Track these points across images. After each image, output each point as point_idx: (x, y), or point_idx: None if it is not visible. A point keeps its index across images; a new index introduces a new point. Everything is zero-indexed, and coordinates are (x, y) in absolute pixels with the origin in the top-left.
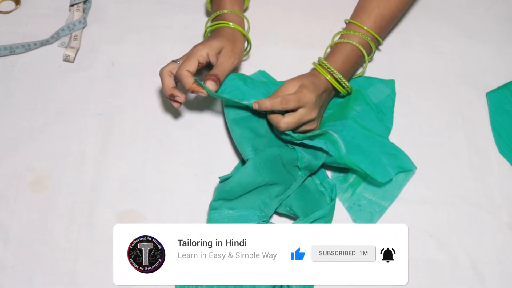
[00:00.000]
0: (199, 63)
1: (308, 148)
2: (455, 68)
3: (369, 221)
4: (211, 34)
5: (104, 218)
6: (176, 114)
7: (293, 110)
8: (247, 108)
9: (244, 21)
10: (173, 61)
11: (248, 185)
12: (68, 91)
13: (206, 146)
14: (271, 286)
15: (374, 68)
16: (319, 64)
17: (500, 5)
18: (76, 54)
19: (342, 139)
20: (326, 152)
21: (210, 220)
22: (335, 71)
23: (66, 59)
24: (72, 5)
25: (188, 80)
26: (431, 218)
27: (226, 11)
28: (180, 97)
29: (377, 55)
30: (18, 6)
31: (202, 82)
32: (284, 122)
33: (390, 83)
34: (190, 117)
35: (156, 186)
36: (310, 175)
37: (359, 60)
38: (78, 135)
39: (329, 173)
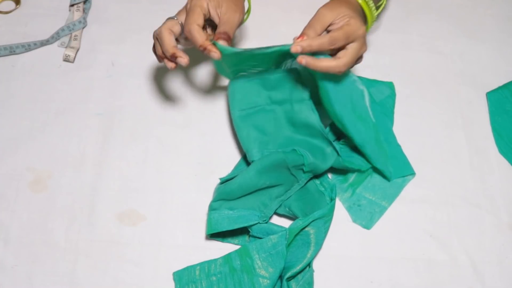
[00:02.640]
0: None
1: (315, 151)
2: (455, 68)
3: (369, 221)
4: None
5: (104, 218)
6: (176, 114)
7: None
8: (255, 99)
9: None
10: (170, 18)
11: (249, 188)
12: (68, 91)
13: (206, 146)
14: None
15: (375, 68)
16: None
17: (500, 5)
18: (76, 54)
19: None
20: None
21: (209, 220)
22: None
23: (66, 59)
24: (72, 5)
25: (201, 35)
26: (431, 218)
27: None
28: (183, 58)
29: (377, 55)
30: (18, 6)
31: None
32: (344, 64)
33: (390, 85)
34: (190, 117)
35: (156, 186)
36: (312, 177)
37: None
38: (78, 135)
39: (329, 173)
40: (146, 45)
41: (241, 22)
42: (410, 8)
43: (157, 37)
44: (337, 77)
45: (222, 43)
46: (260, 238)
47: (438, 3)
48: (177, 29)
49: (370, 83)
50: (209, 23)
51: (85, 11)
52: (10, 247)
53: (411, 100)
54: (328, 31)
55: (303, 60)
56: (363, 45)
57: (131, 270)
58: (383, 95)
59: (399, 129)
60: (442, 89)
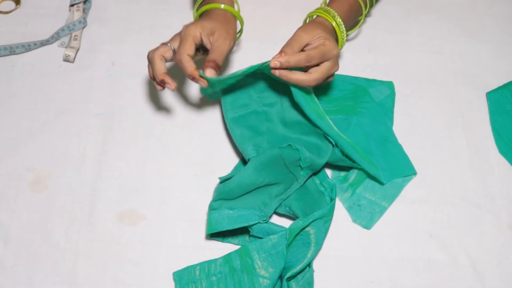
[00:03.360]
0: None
1: (311, 148)
2: (455, 68)
3: (369, 221)
4: (201, 16)
5: (104, 218)
6: (176, 114)
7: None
8: (246, 100)
9: (234, 4)
10: (163, 44)
11: (248, 186)
12: (68, 91)
13: (206, 146)
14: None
15: (375, 68)
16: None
17: (500, 5)
18: (76, 54)
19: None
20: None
21: (209, 220)
22: (338, 18)
23: (66, 59)
24: (72, 5)
25: (190, 65)
26: (431, 218)
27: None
28: (171, 84)
29: (377, 55)
30: (18, 6)
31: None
32: (314, 79)
33: (390, 84)
34: (190, 117)
35: (156, 186)
36: (311, 175)
37: (358, 14)
38: (78, 135)
39: (329, 173)
40: (146, 45)
41: (234, 44)
42: (410, 8)
43: (149, 60)
44: (306, 91)
45: (209, 71)
46: (260, 238)
47: (438, 3)
48: (169, 55)
49: (370, 83)
50: (202, 47)
51: (85, 11)
52: (10, 247)
53: (411, 100)
54: (303, 51)
55: (277, 72)
56: (335, 65)
57: (131, 270)
58: (383, 95)
59: (399, 129)
60: (442, 89)
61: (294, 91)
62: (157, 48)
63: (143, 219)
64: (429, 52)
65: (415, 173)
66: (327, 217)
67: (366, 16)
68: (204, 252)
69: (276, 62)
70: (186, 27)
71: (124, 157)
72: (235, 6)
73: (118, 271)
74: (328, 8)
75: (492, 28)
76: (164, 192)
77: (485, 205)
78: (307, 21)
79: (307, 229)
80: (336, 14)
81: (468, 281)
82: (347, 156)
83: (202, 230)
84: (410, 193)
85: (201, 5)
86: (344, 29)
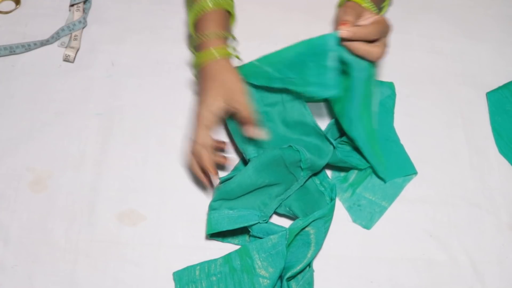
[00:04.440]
0: (211, 128)
1: (311, 148)
2: (455, 68)
3: (369, 221)
4: (201, 81)
5: (104, 218)
6: (176, 114)
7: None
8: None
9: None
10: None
11: (249, 186)
12: (68, 91)
13: None
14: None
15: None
16: None
17: (500, 5)
18: (76, 54)
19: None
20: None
21: (209, 220)
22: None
23: (66, 59)
24: (72, 5)
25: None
26: (431, 218)
27: (207, 33)
28: (215, 175)
29: None
30: (18, 6)
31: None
32: (381, 52)
33: (390, 85)
34: (190, 117)
35: (156, 186)
36: (311, 176)
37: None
38: (78, 135)
39: (329, 173)
40: (146, 45)
41: (239, 78)
42: (410, 8)
43: (194, 152)
44: (370, 70)
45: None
46: (260, 238)
47: (438, 3)
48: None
49: None
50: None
51: (85, 11)
52: (10, 247)
53: (411, 100)
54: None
55: (347, 43)
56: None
57: (131, 270)
58: (383, 95)
59: (399, 129)
60: (442, 89)
61: (353, 73)
62: (195, 141)
63: (143, 219)
64: (429, 52)
65: (415, 173)
66: (327, 217)
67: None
68: (204, 252)
69: (348, 32)
70: (198, 113)
71: (124, 157)
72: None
73: (118, 271)
74: None
75: (492, 28)
76: (164, 192)
77: (485, 205)
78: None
79: (307, 229)
80: None
81: (468, 281)
82: (356, 150)
83: (202, 230)
84: (410, 193)
85: (197, 47)
86: (376, 9)
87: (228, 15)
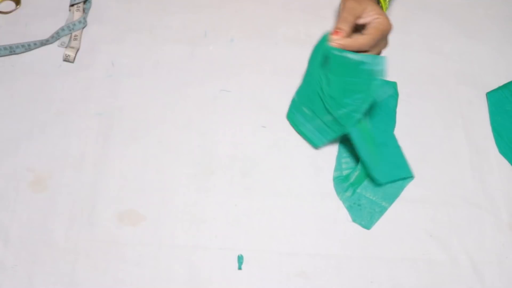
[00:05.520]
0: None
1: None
2: (455, 68)
3: (369, 221)
4: None
5: (104, 218)
6: (176, 114)
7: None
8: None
9: None
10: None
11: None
12: (68, 91)
13: (206, 146)
14: None
15: None
16: None
17: (500, 5)
18: (76, 54)
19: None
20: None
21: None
22: None
23: (66, 59)
24: (72, 5)
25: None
26: (431, 218)
27: None
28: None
29: None
30: (18, 6)
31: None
32: (372, 39)
33: (394, 85)
34: (190, 117)
35: (156, 186)
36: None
37: None
38: (78, 135)
39: (331, 171)
40: (146, 45)
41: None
42: (410, 8)
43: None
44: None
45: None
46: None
47: (438, 3)
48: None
49: None
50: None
51: (85, 11)
52: (10, 247)
53: (411, 100)
54: (365, 34)
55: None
56: (387, 42)
57: (131, 270)
58: (386, 94)
59: (399, 129)
60: (442, 89)
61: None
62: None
63: (143, 219)
64: (429, 52)
65: (412, 177)
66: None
67: None
68: (204, 252)
69: (336, 44)
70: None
71: (124, 157)
72: None
73: (118, 271)
74: None
75: (492, 28)
76: (164, 192)
77: (485, 205)
78: None
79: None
80: None
81: (468, 281)
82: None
83: (202, 230)
84: (410, 193)
85: None
86: None
87: None
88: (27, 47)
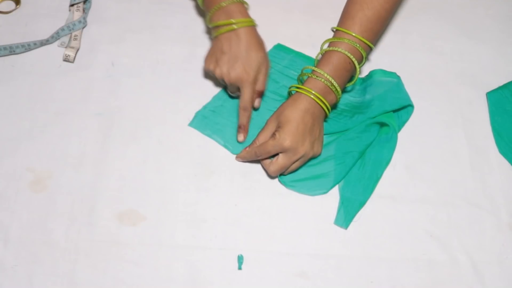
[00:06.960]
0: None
1: None
2: (455, 68)
3: (345, 220)
4: (222, 46)
5: (104, 218)
6: (176, 114)
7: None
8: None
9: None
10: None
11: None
12: (68, 91)
13: (206, 146)
14: None
15: (374, 68)
16: (311, 73)
17: (500, 5)
18: (76, 54)
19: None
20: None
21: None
22: (329, 77)
23: (66, 59)
24: (72, 5)
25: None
26: (431, 218)
27: (223, 4)
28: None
29: (377, 55)
30: (18, 6)
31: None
32: (271, 171)
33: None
34: (190, 117)
35: (156, 186)
36: None
37: (350, 68)
38: (78, 135)
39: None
40: (146, 45)
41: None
42: (410, 8)
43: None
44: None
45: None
46: None
47: (438, 3)
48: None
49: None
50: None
51: (85, 11)
52: (10, 247)
53: (411, 100)
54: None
55: (238, 159)
56: (293, 155)
57: (131, 270)
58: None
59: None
60: (442, 89)
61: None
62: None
63: (143, 219)
64: (429, 52)
65: (412, 105)
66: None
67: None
68: (204, 252)
69: (238, 159)
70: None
71: (124, 157)
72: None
73: (118, 271)
74: (316, 69)
75: (492, 28)
76: (164, 192)
77: (485, 205)
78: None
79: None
80: (326, 74)
81: (468, 281)
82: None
83: (202, 230)
84: (410, 193)
85: (212, 17)
86: (334, 83)
87: None
88: (27, 47)
